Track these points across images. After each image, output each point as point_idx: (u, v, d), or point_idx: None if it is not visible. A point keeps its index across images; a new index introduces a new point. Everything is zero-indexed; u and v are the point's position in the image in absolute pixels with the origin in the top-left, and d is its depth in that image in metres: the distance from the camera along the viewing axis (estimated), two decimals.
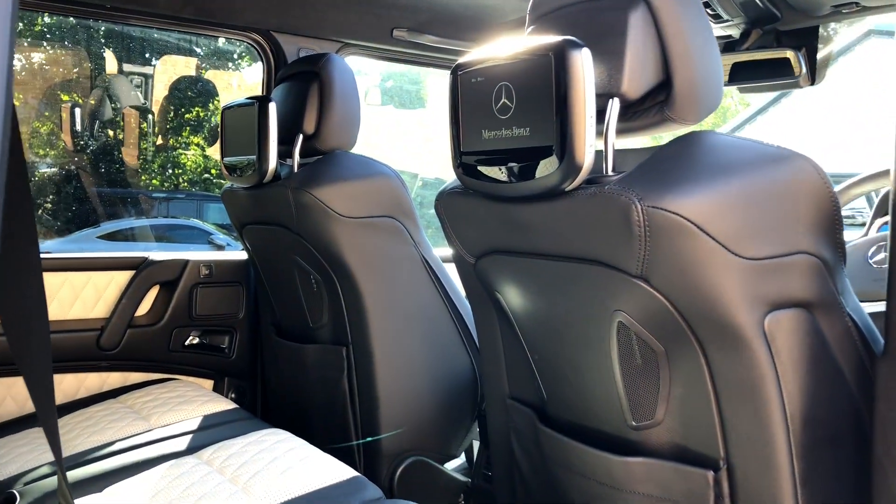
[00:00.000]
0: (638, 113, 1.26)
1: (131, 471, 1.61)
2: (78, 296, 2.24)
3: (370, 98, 5.50)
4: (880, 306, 1.67)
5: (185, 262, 2.37)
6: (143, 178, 6.82)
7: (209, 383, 2.46)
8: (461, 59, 1.31)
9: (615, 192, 1.10)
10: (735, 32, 2.20)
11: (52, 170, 7.56)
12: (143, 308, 2.33)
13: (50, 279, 2.20)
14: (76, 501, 1.51)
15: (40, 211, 7.68)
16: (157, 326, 2.33)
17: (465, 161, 1.32)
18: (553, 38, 1.15)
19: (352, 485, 1.49)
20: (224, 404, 2.01)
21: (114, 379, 2.30)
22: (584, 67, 1.12)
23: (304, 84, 2.04)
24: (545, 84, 1.15)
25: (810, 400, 1.13)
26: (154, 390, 2.12)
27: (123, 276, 2.30)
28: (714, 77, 1.23)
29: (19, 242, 0.70)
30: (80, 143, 7.45)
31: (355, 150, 2.10)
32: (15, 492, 1.58)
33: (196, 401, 2.02)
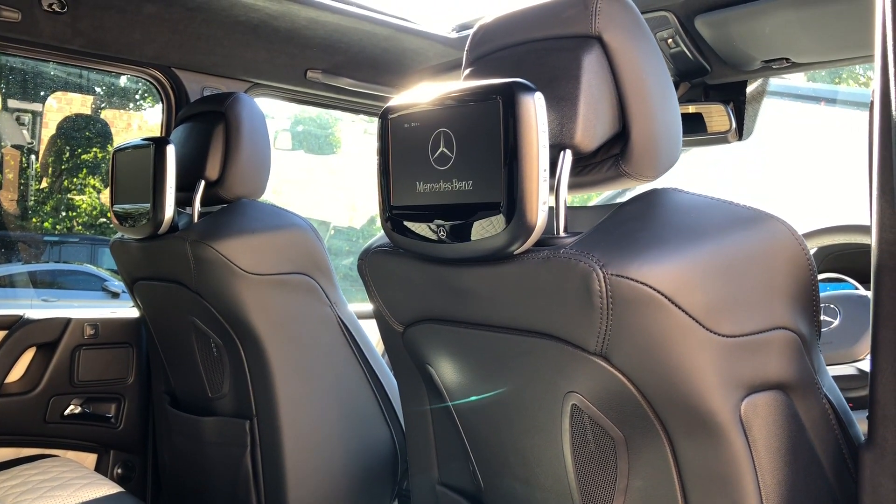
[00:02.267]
0: (590, 166, 1.12)
1: None
2: None
3: (280, 142, 5.28)
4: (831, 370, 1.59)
5: (68, 321, 2.10)
6: (33, 220, 6.35)
7: (92, 458, 2.17)
8: (392, 102, 1.15)
9: (572, 258, 0.95)
10: None
11: None
12: (15, 374, 2.04)
13: None
14: None
15: None
16: (31, 394, 2.04)
17: (394, 216, 1.15)
18: (500, 80, 1.00)
19: None
20: (107, 488, 1.74)
21: None
22: (536, 114, 0.97)
23: (207, 125, 1.84)
24: (491, 132, 1.00)
25: (789, 493, 1.00)
26: (23, 472, 1.83)
27: None
28: (674, 129, 1.11)
29: None
30: None
31: (263, 198, 1.91)
32: None
33: (73, 484, 1.74)
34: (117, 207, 1.90)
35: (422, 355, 1.27)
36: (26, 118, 4.17)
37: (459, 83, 1.06)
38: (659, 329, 0.92)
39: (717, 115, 2.15)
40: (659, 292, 0.90)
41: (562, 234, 1.05)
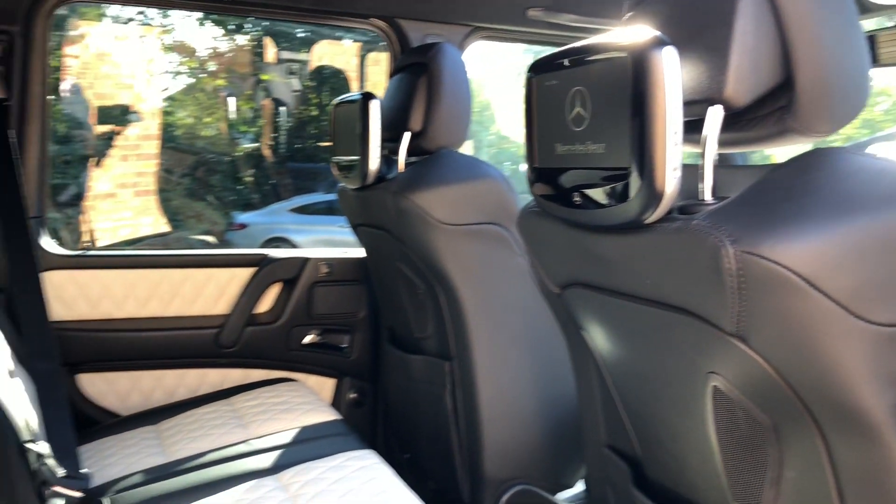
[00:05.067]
0: (753, 121, 1.00)
1: (214, 488, 1.57)
2: (200, 293, 2.25)
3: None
4: None
5: (305, 260, 2.32)
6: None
7: (331, 382, 2.41)
8: (539, 58, 1.11)
9: (703, 231, 0.86)
10: None
11: (252, 145, 8.00)
12: (263, 306, 2.31)
13: (173, 275, 2.22)
14: None
15: (240, 186, 8.17)
16: (276, 325, 2.31)
17: (537, 177, 1.12)
18: (633, 34, 0.92)
19: None
20: (326, 415, 1.93)
21: (235, 375, 2.30)
22: (666, 71, 0.88)
23: (413, 77, 1.90)
24: (621, 92, 0.92)
25: None
26: (263, 393, 2.08)
27: (245, 274, 2.29)
28: (854, 74, 0.95)
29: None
30: (275, 123, 7.81)
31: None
32: (105, 500, 1.58)
33: (299, 409, 1.96)
34: (336, 158, 2.04)
35: (577, 319, 1.23)
36: (295, 67, 4.58)
37: (596, 37, 0.99)
38: (797, 315, 0.81)
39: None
40: (796, 274, 0.79)
41: (708, 199, 0.96)
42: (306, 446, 1.75)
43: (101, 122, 6.93)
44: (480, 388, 1.80)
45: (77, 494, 1.56)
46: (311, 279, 2.32)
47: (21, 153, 2.04)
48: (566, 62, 1.03)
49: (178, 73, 8.29)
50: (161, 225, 7.12)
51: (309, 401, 2.02)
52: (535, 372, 1.82)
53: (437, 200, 1.74)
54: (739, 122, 1.00)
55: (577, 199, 1.03)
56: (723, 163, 0.99)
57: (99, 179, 6.90)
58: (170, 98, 8.12)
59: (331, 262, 2.34)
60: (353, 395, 2.41)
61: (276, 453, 1.71)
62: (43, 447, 1.55)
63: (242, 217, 8.04)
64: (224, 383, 2.28)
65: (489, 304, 1.79)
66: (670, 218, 0.93)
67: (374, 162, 1.86)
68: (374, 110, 1.85)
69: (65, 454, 1.64)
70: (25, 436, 1.53)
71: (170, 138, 7.72)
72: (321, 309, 2.34)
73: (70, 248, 2.19)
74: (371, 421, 2.43)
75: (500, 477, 1.83)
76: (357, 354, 2.39)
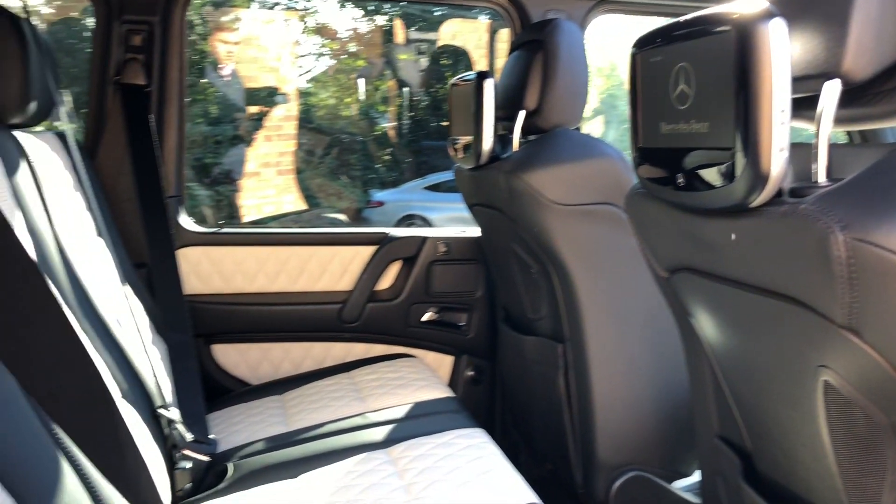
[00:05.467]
0: (878, 96, 0.92)
1: (328, 458, 1.63)
2: (325, 269, 2.33)
3: None
4: None
5: (424, 239, 2.35)
6: None
7: (449, 359, 2.44)
8: (643, 34, 1.06)
9: (811, 215, 0.80)
10: None
11: (389, 125, 8.18)
12: (384, 283, 2.37)
13: (300, 253, 2.31)
14: (272, 485, 1.56)
15: (378, 164, 8.39)
16: (396, 301, 2.36)
17: (642, 157, 1.08)
18: (740, 5, 0.86)
19: None
20: (439, 392, 1.96)
21: (358, 349, 2.37)
22: (773, 45, 0.82)
23: (529, 54, 1.87)
24: (726, 67, 0.87)
25: None
26: (381, 368, 2.14)
27: (367, 252, 2.35)
28: None
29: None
30: (411, 102, 7.95)
31: None
32: (229, 465, 1.68)
33: (414, 385, 2.00)
34: (452, 138, 2.05)
35: (686, 305, 1.19)
36: (427, 47, 4.62)
37: (701, 11, 0.94)
38: None
39: None
40: None
41: (822, 181, 0.89)
42: (418, 422, 1.78)
43: (249, 104, 7.26)
44: (593, 371, 1.77)
45: (204, 458, 1.67)
46: (429, 258, 2.35)
47: (160, 137, 2.18)
48: (670, 37, 0.98)
49: (321, 54, 8.57)
50: (301, 203, 7.41)
51: (424, 377, 2.06)
52: (651, 356, 1.77)
53: (549, 180, 1.71)
54: (861, 98, 0.92)
55: (680, 180, 0.98)
56: (871, 140, 0.91)
57: (244, 159, 7.25)
58: (313, 80, 8.41)
59: (448, 241, 2.36)
60: (470, 373, 2.43)
61: (389, 427, 1.75)
62: (174, 413, 1.66)
63: (379, 195, 8.24)
64: (347, 357, 2.35)
65: (603, 286, 1.75)
66: (778, 201, 0.87)
67: (488, 141, 1.85)
68: (489, 89, 1.84)
69: (194, 420, 1.75)
70: (158, 402, 1.64)
71: (312, 119, 7.99)
72: (439, 287, 2.37)
73: (215, 225, 2.32)
74: (488, 399, 2.45)
75: (612, 462, 1.80)
76: (475, 333, 2.41)
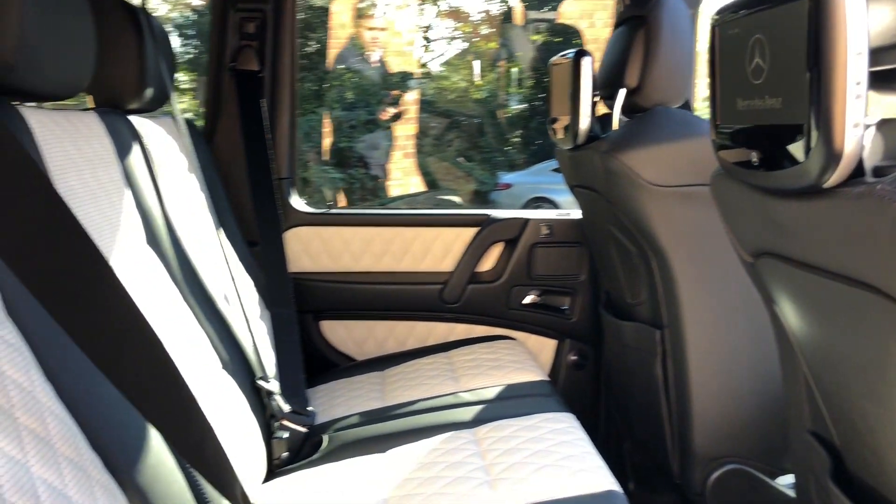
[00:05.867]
0: None
1: (416, 435, 1.66)
2: (428, 250, 2.36)
3: None
4: None
5: (525, 221, 2.33)
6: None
7: (551, 343, 2.42)
8: (721, 5, 1.01)
9: (887, 195, 0.74)
10: None
11: (519, 107, 8.18)
12: (485, 265, 2.37)
13: (404, 233, 2.36)
14: (361, 458, 1.61)
15: (507, 146, 8.40)
16: (497, 283, 2.35)
17: (719, 135, 1.02)
18: None
19: (602, 501, 1.32)
20: (533, 375, 1.95)
21: (460, 330, 2.39)
22: (848, 13, 0.76)
23: (631, 31, 1.81)
24: (799, 38, 0.81)
25: None
26: (479, 349, 2.15)
27: (468, 233, 2.36)
28: None
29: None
30: (541, 84, 7.90)
31: None
32: (324, 437, 1.74)
33: (509, 367, 1.99)
34: (551, 117, 2.02)
35: (770, 291, 1.12)
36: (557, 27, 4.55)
37: None
38: None
39: None
40: None
41: None
42: (507, 404, 1.78)
43: (384, 88, 7.42)
44: (691, 359, 1.71)
45: (301, 429, 1.74)
46: (531, 240, 2.33)
47: (273, 121, 2.27)
48: (746, 8, 0.92)
49: (452, 38, 8.65)
50: (428, 185, 7.51)
51: (520, 360, 2.05)
52: (752, 346, 1.69)
53: (646, 160, 1.66)
54: None
55: (754, 159, 0.93)
56: None
57: (377, 143, 7.42)
58: (445, 63, 8.50)
59: (550, 224, 2.33)
60: (573, 358, 2.39)
61: (478, 408, 1.76)
62: (273, 385, 1.74)
63: (507, 177, 8.23)
64: (450, 337, 2.37)
65: (702, 271, 1.68)
66: (856, 182, 0.81)
67: (585, 121, 1.81)
68: (586, 68, 1.80)
69: (293, 392, 1.82)
70: (258, 374, 1.72)
71: (442, 102, 8.08)
72: (541, 270, 2.34)
73: (337, 206, 2.39)
74: (592, 384, 2.41)
75: (710, 454, 1.73)
76: (578, 317, 2.37)
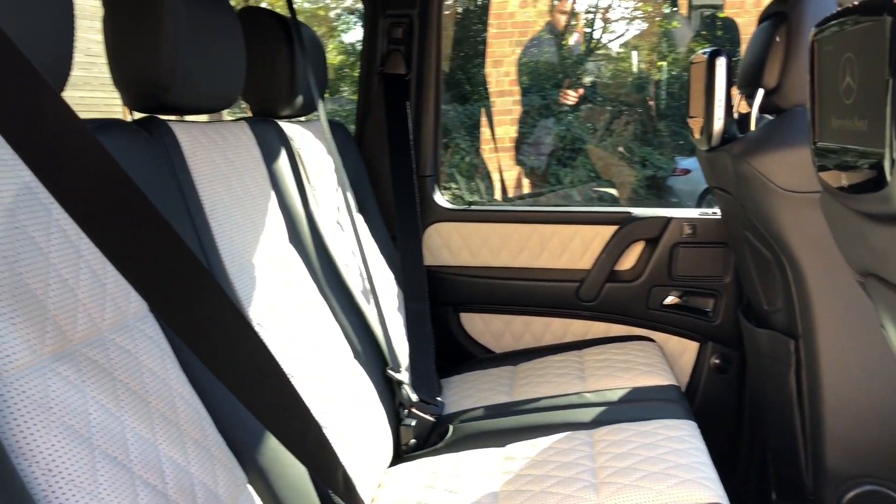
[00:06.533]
0: None
1: (535, 432, 1.71)
2: (566, 247, 2.39)
3: None
4: None
5: (668, 220, 2.29)
6: None
7: (693, 346, 2.37)
8: (823, 19, 0.97)
9: None
10: None
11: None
12: (624, 263, 2.36)
13: (542, 230, 2.39)
14: (480, 450, 1.68)
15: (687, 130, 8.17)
16: (636, 283, 2.34)
17: (816, 154, 0.99)
18: None
19: None
20: (662, 379, 1.93)
21: (598, 328, 2.40)
22: None
23: (772, 27, 1.74)
24: (880, 59, 0.78)
25: None
26: (611, 349, 2.15)
27: (608, 231, 2.35)
28: None
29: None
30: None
31: None
32: (451, 427, 1.83)
33: (638, 369, 1.99)
34: (690, 116, 1.97)
35: (878, 313, 1.07)
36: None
37: None
38: None
39: None
40: None
41: None
42: (629, 407, 1.78)
43: (566, 70, 7.40)
44: (825, 372, 1.63)
45: (428, 418, 1.84)
46: (673, 239, 2.29)
47: (417, 121, 2.38)
48: (840, 24, 0.89)
49: (633, 18, 8.47)
50: (590, 175, 7.42)
51: (652, 362, 2.03)
52: (893, 362, 1.58)
53: (779, 164, 1.59)
54: None
55: (843, 181, 0.90)
56: None
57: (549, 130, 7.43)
58: (623, 44, 8.36)
59: (694, 223, 2.28)
60: (716, 361, 2.33)
61: (599, 409, 1.78)
62: (403, 375, 1.85)
63: (685, 163, 7.96)
64: (587, 335, 2.39)
65: (838, 281, 1.59)
66: None
67: (718, 123, 1.76)
68: (720, 69, 1.74)
69: (423, 382, 1.92)
70: (390, 364, 1.84)
71: (622, 84, 7.95)
72: (683, 270, 2.30)
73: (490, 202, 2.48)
74: (736, 390, 2.33)
75: (844, 472, 1.65)
76: (722, 320, 2.30)
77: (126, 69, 1.34)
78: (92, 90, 7.22)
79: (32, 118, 0.66)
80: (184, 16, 1.30)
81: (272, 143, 1.74)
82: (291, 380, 1.41)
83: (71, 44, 0.96)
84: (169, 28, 1.29)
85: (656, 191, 7.58)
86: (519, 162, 7.04)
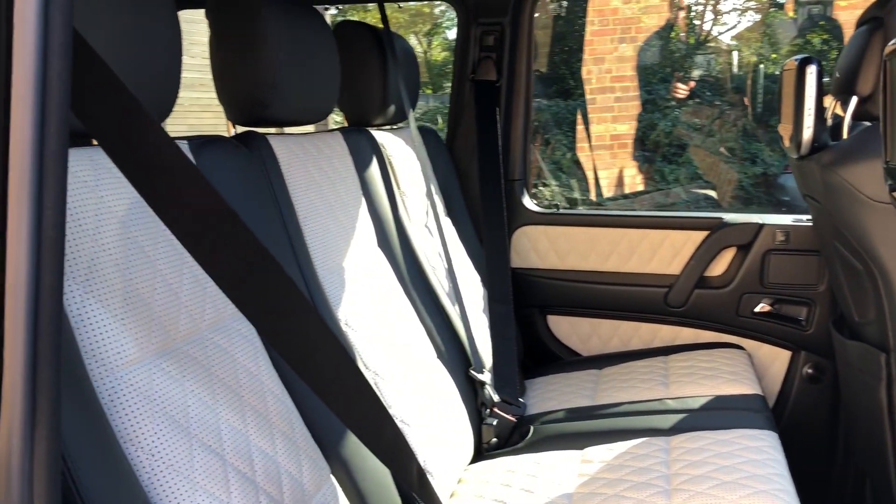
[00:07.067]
0: None
1: (614, 437, 1.73)
2: (655, 252, 2.39)
3: None
4: None
5: (760, 226, 2.26)
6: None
7: (785, 354, 2.32)
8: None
9: None
10: None
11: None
12: (714, 270, 2.34)
13: (631, 235, 2.40)
14: (558, 452, 1.73)
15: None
16: (726, 290, 2.31)
17: (887, 172, 0.99)
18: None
19: None
20: (746, 388, 1.92)
21: (686, 334, 2.39)
22: None
23: (868, 33, 1.70)
24: None
25: None
26: (696, 356, 2.15)
27: (698, 237, 2.34)
28: None
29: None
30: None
31: None
32: (532, 427, 1.88)
33: (722, 377, 1.98)
34: (782, 125, 1.94)
35: None
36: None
37: None
38: None
39: None
40: None
41: None
42: (708, 415, 1.78)
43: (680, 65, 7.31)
44: None
45: (510, 418, 1.89)
46: (765, 246, 2.26)
47: (507, 127, 2.43)
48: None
49: (745, 9, 8.28)
50: (689, 175, 7.27)
51: (737, 371, 2.02)
52: None
53: (869, 174, 1.56)
54: None
55: None
56: None
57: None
58: (736, 36, 8.17)
59: (787, 230, 2.23)
60: (808, 371, 2.28)
61: (679, 416, 1.79)
62: (485, 376, 1.91)
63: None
64: (675, 340, 2.39)
65: None
66: None
67: (808, 132, 1.73)
68: (811, 76, 1.72)
69: (506, 383, 1.98)
70: (473, 364, 1.91)
71: (734, 77, 7.77)
72: (775, 278, 2.26)
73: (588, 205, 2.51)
74: (830, 402, 2.28)
75: None
76: (815, 329, 2.25)
77: (229, 86, 1.46)
78: (207, 91, 7.62)
79: (137, 147, 0.76)
80: (282, 36, 1.41)
81: (364, 152, 1.84)
82: (377, 378, 1.50)
83: (177, 82, 1.07)
84: (268, 48, 1.39)
85: (766, 188, 7.35)
86: (632, 158, 6.98)
